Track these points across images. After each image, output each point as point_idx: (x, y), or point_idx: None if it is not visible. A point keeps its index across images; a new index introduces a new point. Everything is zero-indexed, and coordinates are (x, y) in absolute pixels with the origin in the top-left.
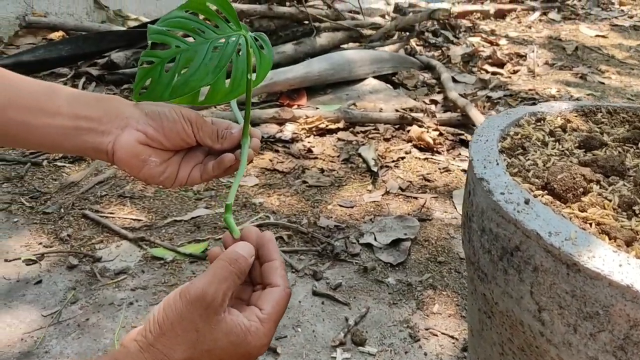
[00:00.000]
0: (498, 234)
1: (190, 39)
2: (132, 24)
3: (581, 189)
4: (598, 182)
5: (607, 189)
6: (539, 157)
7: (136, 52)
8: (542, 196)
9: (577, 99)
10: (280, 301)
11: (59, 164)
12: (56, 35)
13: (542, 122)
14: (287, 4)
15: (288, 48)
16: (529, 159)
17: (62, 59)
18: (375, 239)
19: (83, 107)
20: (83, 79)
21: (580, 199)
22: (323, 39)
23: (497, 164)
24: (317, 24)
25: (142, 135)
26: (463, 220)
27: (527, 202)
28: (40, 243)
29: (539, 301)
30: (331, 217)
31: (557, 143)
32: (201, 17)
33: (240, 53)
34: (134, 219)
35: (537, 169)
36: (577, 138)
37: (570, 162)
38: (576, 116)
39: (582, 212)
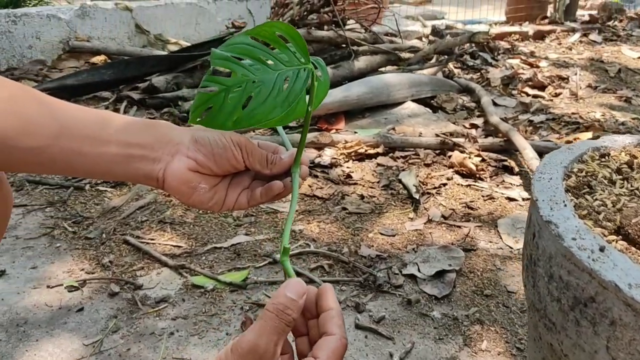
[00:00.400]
0: (569, 282)
1: (254, 67)
2: (172, 47)
3: None
4: None
5: None
6: (608, 197)
7: (176, 76)
8: (617, 242)
9: (623, 124)
10: (336, 350)
11: (100, 188)
12: (98, 59)
13: (606, 157)
14: (325, 27)
15: None
16: (597, 199)
17: (105, 83)
18: (418, 270)
19: (134, 134)
20: (124, 103)
21: None
22: (361, 62)
23: (565, 205)
24: (355, 48)
25: (193, 162)
26: (525, 262)
27: (602, 249)
28: (83, 269)
29: (616, 357)
30: (372, 246)
31: (625, 181)
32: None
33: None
34: (174, 246)
35: (608, 210)
36: None
37: None
38: None
39: None
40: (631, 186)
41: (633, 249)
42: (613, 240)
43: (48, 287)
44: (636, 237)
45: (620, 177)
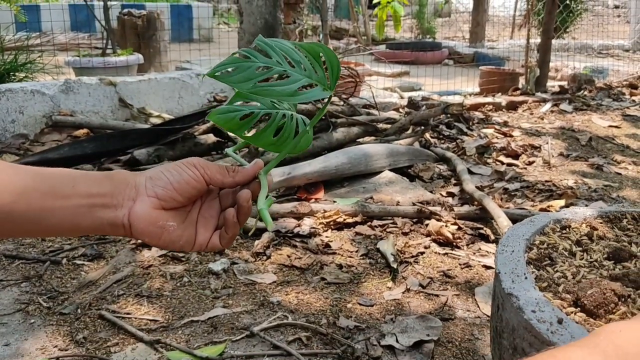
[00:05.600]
0: (531, 354)
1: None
2: (155, 120)
3: (612, 305)
4: (629, 296)
5: (636, 304)
6: (568, 268)
7: (158, 148)
8: (575, 313)
9: (595, 191)
10: None
11: (78, 262)
12: (81, 132)
13: (567, 229)
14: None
15: None
16: (557, 271)
17: (87, 156)
18: (397, 341)
19: (94, 185)
20: None
21: (611, 314)
22: (339, 133)
23: (526, 277)
24: (333, 120)
25: (155, 200)
26: (492, 335)
27: (560, 321)
28: (56, 346)
29: None
30: (351, 317)
31: (585, 253)
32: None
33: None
34: (151, 320)
35: (567, 282)
36: (605, 248)
37: (601, 274)
38: (601, 223)
39: None
40: (590, 258)
41: (591, 320)
42: (572, 312)
43: None
44: (592, 308)
45: (580, 249)
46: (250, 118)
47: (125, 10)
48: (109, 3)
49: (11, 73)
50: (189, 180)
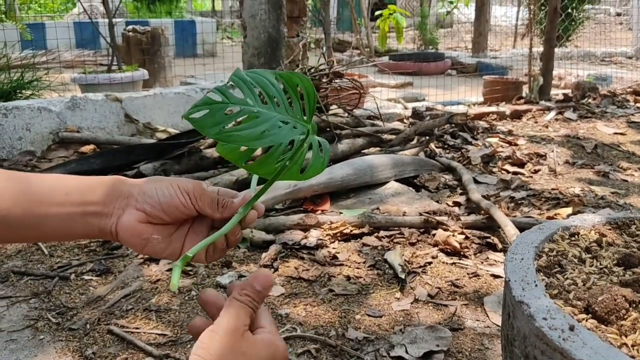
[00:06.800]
0: None
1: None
2: (160, 135)
3: (623, 311)
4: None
5: None
6: (578, 275)
7: (164, 163)
8: (586, 320)
9: (602, 198)
10: (267, 314)
11: (86, 277)
12: (88, 148)
13: (576, 236)
14: None
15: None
16: (567, 278)
17: (93, 172)
18: (406, 352)
19: (87, 192)
20: None
21: (623, 320)
22: (344, 145)
23: (536, 285)
24: (338, 132)
25: (142, 214)
26: (503, 343)
27: (572, 328)
28: None
29: None
30: (360, 328)
31: (594, 260)
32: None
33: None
34: (159, 334)
35: (578, 289)
36: (614, 255)
37: (611, 281)
38: (610, 229)
39: (623, 335)
40: (600, 264)
41: (602, 326)
42: (583, 319)
43: None
44: (603, 314)
45: (590, 255)
46: (248, 150)
47: (130, 27)
48: (113, 20)
49: (18, 91)
50: (179, 206)
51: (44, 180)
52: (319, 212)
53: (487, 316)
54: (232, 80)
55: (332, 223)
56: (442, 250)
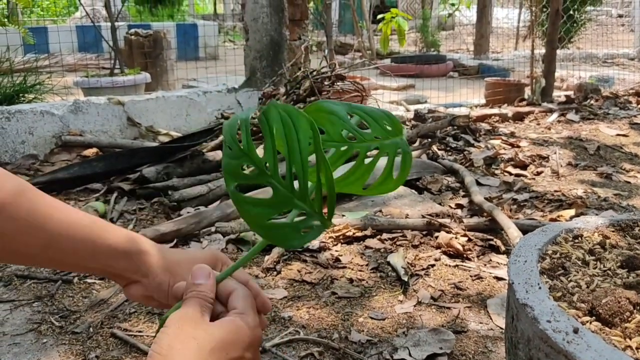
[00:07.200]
0: None
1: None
2: (163, 138)
3: (627, 313)
4: None
5: None
6: (582, 278)
7: (166, 166)
8: (590, 323)
9: (605, 200)
10: (245, 297)
11: (89, 281)
12: (90, 152)
13: (579, 239)
14: None
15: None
16: (571, 281)
17: (96, 175)
18: (409, 354)
19: (111, 260)
20: (115, 194)
21: (627, 323)
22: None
23: (540, 287)
24: None
25: (149, 297)
26: (507, 346)
27: (576, 331)
28: None
29: None
30: (363, 331)
31: (598, 262)
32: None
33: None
34: None
35: (582, 291)
36: (618, 257)
37: (615, 283)
38: (613, 231)
39: (627, 338)
40: (604, 266)
41: (607, 329)
42: (587, 321)
43: None
44: (607, 317)
45: (593, 257)
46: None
47: (132, 31)
48: (116, 24)
49: (20, 94)
50: (171, 300)
51: (74, 229)
52: None
53: (491, 319)
54: (261, 117)
55: (334, 226)
56: (444, 253)
